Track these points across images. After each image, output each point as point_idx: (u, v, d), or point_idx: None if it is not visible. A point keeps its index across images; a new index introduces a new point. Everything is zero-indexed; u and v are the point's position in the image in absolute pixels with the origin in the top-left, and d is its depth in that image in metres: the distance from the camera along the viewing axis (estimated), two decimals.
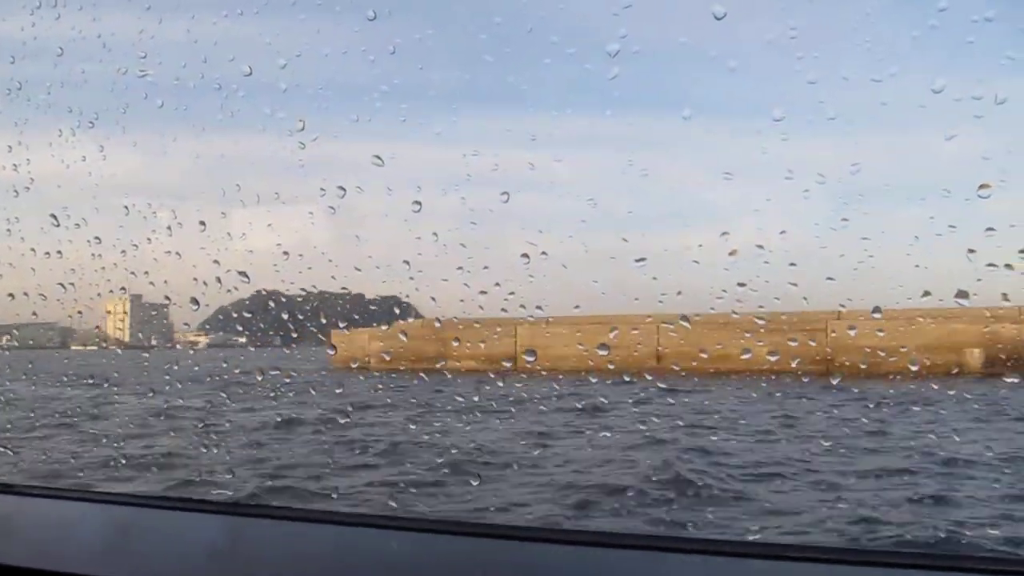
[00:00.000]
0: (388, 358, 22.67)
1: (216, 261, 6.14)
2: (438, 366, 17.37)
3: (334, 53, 7.04)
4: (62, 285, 6.39)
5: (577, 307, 6.00)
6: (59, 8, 6.35)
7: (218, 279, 5.92)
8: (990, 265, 4.17)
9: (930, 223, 5.30)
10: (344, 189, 5.62)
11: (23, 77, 6.62)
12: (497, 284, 5.83)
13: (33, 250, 6.39)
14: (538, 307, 5.59)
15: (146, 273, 6.58)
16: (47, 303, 6.48)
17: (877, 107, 5.66)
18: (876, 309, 5.09)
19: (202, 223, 6.34)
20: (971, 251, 4.21)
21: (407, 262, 5.83)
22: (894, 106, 5.67)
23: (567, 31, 6.49)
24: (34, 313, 7.23)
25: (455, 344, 18.06)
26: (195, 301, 6.17)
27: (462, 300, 5.97)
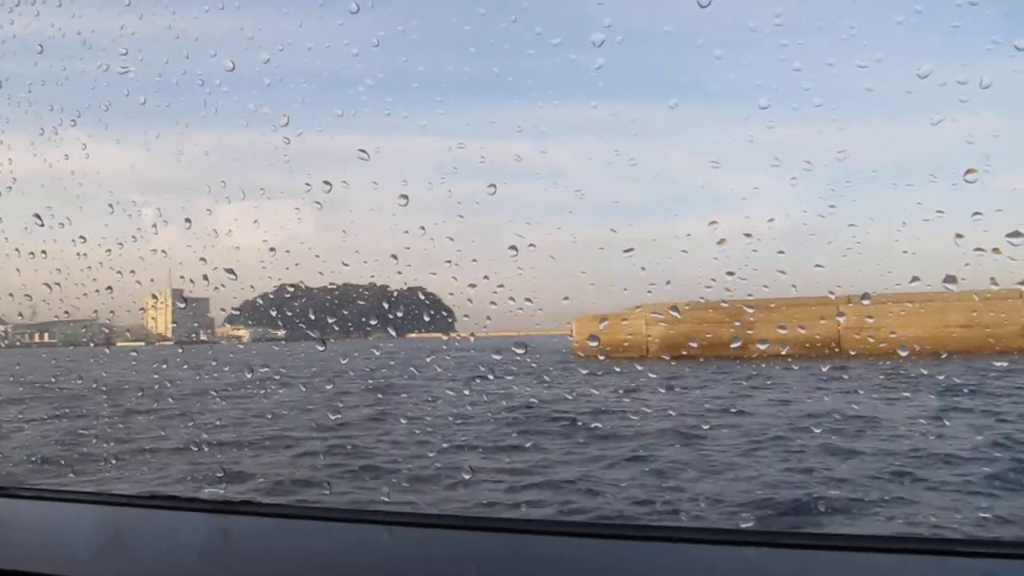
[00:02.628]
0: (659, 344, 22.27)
1: (203, 258, 6.11)
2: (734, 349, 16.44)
3: (317, 47, 6.99)
4: (47, 285, 6.34)
5: (566, 299, 5.98)
6: (39, 5, 6.29)
7: (205, 276, 5.89)
8: (978, 250, 4.18)
9: (917, 208, 5.31)
10: (330, 184, 5.60)
11: (3, 75, 6.56)
12: (486, 277, 5.81)
13: (17, 250, 6.34)
14: (527, 299, 5.56)
15: (132, 272, 6.54)
16: (80, 300, 6.41)
17: (863, 93, 5.65)
18: (865, 295, 5.10)
19: (188, 220, 6.30)
20: (959, 236, 4.22)
21: (395, 256, 5.80)
22: (880, 92, 5.67)
23: (551, 21, 6.46)
24: (66, 312, 7.14)
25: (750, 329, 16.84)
26: (182, 299, 6.13)
27: (451, 293, 5.95)
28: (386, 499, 6.48)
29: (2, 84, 6.55)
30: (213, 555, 1.92)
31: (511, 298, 5.57)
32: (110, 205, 6.86)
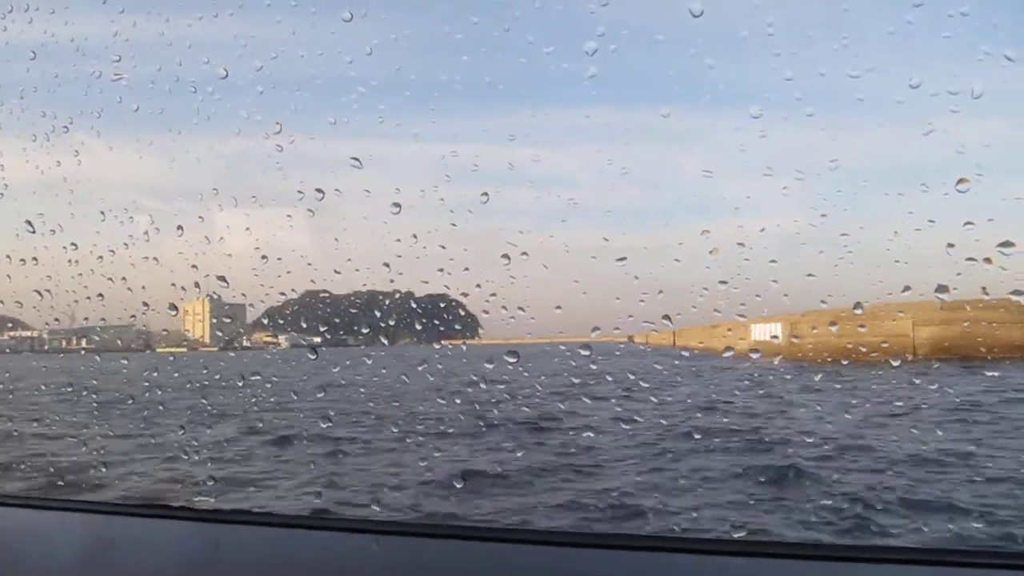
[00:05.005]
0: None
1: (194, 266, 6.09)
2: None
3: (310, 55, 7.01)
4: (38, 292, 6.31)
5: (559, 308, 5.97)
6: (31, 12, 6.28)
7: (196, 284, 5.87)
8: (969, 259, 4.19)
9: (909, 218, 5.33)
10: (322, 191, 5.59)
11: None
12: (478, 286, 5.81)
13: (8, 257, 6.31)
14: (520, 308, 5.55)
15: (123, 279, 6.50)
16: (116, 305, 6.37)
17: (854, 102, 5.69)
18: (857, 305, 5.11)
19: (179, 227, 6.28)
20: (950, 245, 4.23)
21: (387, 264, 5.79)
22: (871, 101, 5.70)
23: (544, 30, 6.48)
24: (103, 319, 7.08)
25: None
26: (173, 307, 6.11)
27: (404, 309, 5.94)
28: (376, 508, 6.46)
29: None
30: (204, 564, 1.91)
31: (503, 307, 5.56)
32: (102, 212, 6.84)
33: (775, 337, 23.74)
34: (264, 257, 6.43)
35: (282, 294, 6.52)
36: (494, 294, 5.58)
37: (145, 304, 6.36)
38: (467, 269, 5.88)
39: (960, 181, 4.01)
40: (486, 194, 5.41)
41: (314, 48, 6.87)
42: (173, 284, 6.08)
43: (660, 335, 38.13)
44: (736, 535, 5.41)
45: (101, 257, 6.45)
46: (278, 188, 6.97)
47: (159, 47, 6.83)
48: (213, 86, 6.14)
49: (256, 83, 6.36)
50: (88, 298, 6.39)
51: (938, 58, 5.41)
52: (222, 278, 5.95)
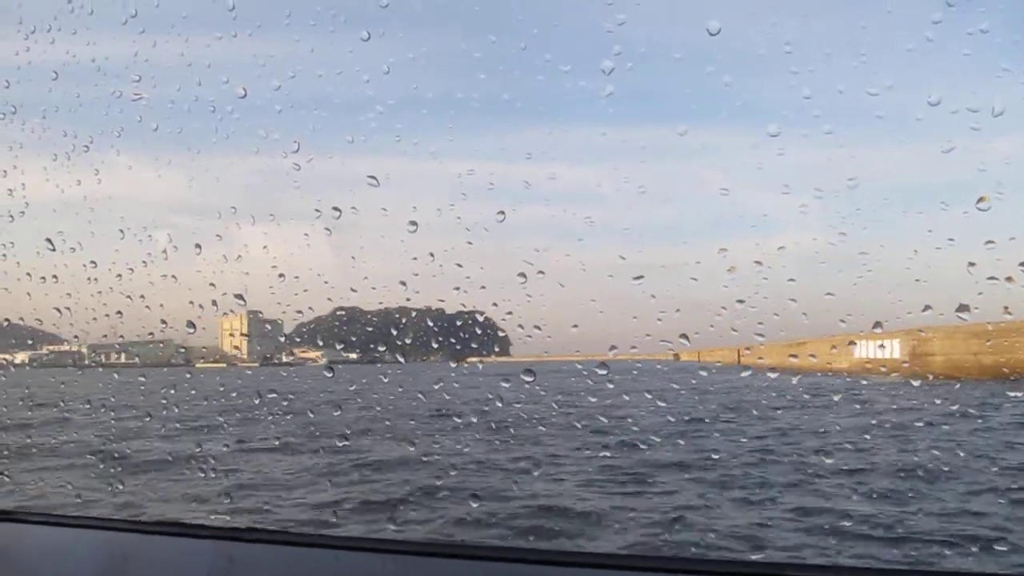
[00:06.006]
0: None
1: (212, 284, 6.12)
2: None
3: (328, 74, 7.05)
4: (57, 310, 6.35)
5: (575, 326, 5.96)
6: (53, 32, 6.37)
7: (214, 302, 5.90)
8: (991, 278, 4.14)
9: (929, 236, 5.28)
10: (339, 210, 5.61)
11: (18, 101, 6.61)
12: (495, 304, 5.80)
13: (29, 275, 6.36)
14: (536, 327, 5.54)
15: (142, 297, 6.54)
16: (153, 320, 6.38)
17: (873, 120, 5.65)
18: (877, 324, 5.06)
19: (197, 246, 6.32)
20: (971, 264, 4.19)
21: (403, 283, 5.80)
22: (890, 119, 5.68)
23: (562, 48, 6.50)
24: (141, 334, 7.11)
25: None
26: (191, 324, 6.14)
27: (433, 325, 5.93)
28: (393, 527, 6.43)
29: (16, 110, 6.61)
30: None
31: (520, 325, 5.55)
32: (121, 230, 6.89)
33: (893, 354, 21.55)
34: (281, 275, 6.46)
35: (311, 309, 6.54)
36: (510, 312, 5.57)
37: (163, 322, 6.38)
38: (484, 287, 5.88)
39: (980, 200, 3.97)
40: (503, 212, 5.42)
41: (332, 67, 6.92)
42: (191, 302, 6.12)
43: (714, 352, 35.00)
44: (754, 557, 5.34)
45: (120, 275, 6.51)
46: (296, 206, 7.01)
47: (179, 67, 6.92)
48: (232, 105, 6.20)
49: (274, 102, 6.42)
50: (107, 315, 6.43)
51: (958, 75, 5.38)
52: (240, 296, 5.98)
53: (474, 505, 6.96)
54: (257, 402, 16.83)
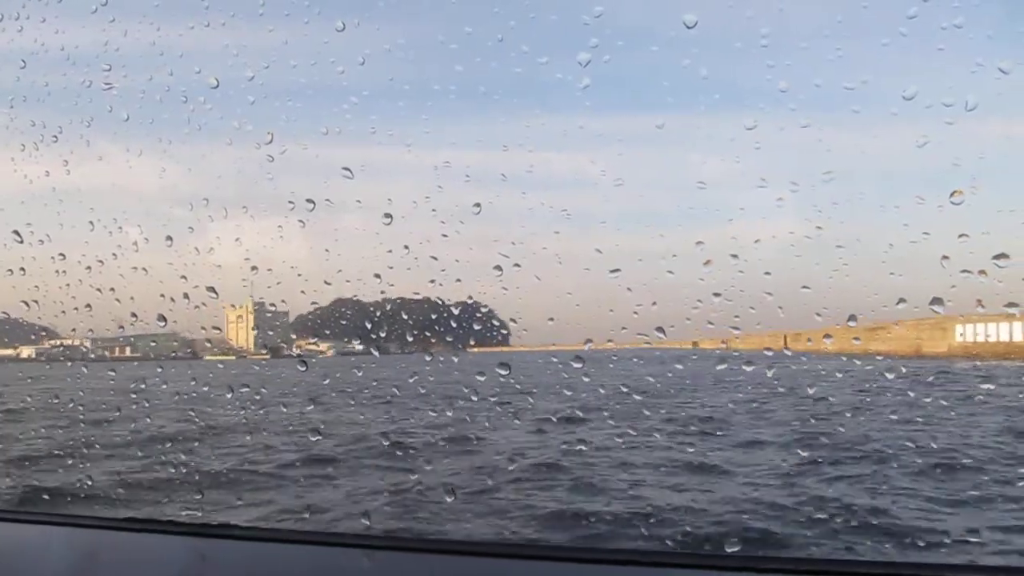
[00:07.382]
0: None
1: (183, 276, 6.05)
2: None
3: (302, 64, 6.98)
4: (25, 303, 6.25)
5: (551, 319, 5.95)
6: (22, 20, 6.24)
7: (185, 295, 5.83)
8: (964, 272, 4.17)
9: (904, 230, 5.32)
10: (313, 202, 5.56)
11: None
12: (469, 297, 5.77)
13: None
14: (512, 319, 5.53)
15: (112, 290, 6.45)
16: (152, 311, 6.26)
17: (849, 114, 5.68)
18: (852, 317, 5.09)
19: (169, 238, 6.24)
20: (945, 258, 4.21)
21: (378, 275, 5.76)
22: (866, 113, 5.70)
23: (538, 40, 6.47)
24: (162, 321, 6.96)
25: None
26: (162, 318, 6.06)
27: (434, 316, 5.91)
28: (366, 522, 6.39)
29: None
30: None
31: (499, 319, 5.52)
32: (91, 222, 6.79)
33: None
34: (254, 268, 6.39)
35: (314, 303, 6.48)
36: (486, 306, 5.55)
37: (134, 315, 6.30)
38: (459, 280, 5.85)
39: (954, 193, 4.00)
40: (478, 205, 5.39)
41: (306, 57, 6.85)
42: (162, 295, 6.04)
43: (749, 337, 33.70)
44: (730, 550, 5.36)
45: (89, 268, 6.40)
46: (269, 198, 6.94)
47: (150, 56, 6.81)
48: (204, 95, 6.12)
49: (247, 92, 6.34)
50: (76, 309, 6.33)
51: (932, 70, 5.42)
52: (212, 289, 5.91)
53: None
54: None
